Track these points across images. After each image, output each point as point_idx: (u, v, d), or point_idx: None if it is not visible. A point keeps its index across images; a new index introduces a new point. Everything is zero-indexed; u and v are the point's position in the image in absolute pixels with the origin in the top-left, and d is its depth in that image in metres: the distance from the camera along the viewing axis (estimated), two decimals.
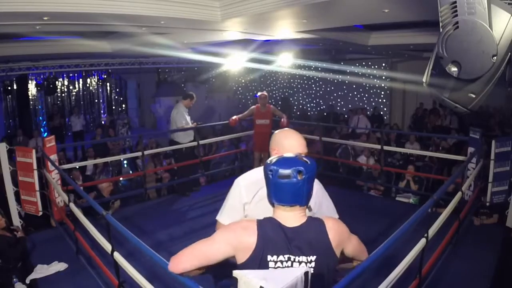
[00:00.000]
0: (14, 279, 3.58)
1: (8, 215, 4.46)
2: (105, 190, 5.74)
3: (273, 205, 1.54)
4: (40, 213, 4.75)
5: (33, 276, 3.68)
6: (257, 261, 1.46)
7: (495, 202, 4.77)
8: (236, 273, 1.46)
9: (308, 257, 1.48)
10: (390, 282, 2.40)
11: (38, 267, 3.76)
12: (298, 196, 1.49)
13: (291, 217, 1.51)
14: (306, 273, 1.49)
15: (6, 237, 3.92)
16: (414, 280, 2.88)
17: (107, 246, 2.88)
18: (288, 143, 1.86)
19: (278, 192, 1.49)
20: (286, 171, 1.46)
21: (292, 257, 1.47)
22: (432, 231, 2.98)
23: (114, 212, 5.34)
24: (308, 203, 1.56)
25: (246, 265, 1.47)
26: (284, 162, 1.50)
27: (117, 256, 2.75)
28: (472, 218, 4.65)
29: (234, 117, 6.43)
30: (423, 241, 2.84)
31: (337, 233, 1.55)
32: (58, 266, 3.80)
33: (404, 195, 6.32)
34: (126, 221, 4.98)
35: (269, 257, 1.46)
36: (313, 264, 1.49)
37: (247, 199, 1.89)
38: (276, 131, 1.98)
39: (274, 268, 1.47)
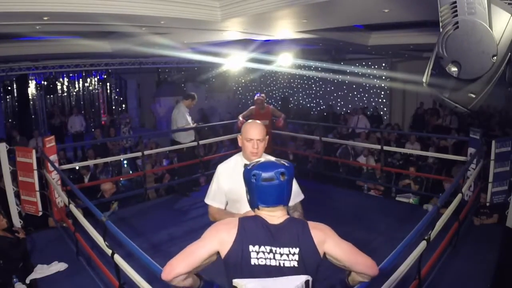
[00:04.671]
0: (14, 279, 3.58)
1: (8, 215, 4.46)
2: (108, 193, 5.75)
3: (256, 208, 1.60)
4: (40, 213, 4.75)
5: (33, 276, 3.68)
6: (239, 252, 1.51)
7: (495, 202, 4.77)
8: (236, 282, 1.45)
9: (291, 248, 1.52)
10: (391, 286, 2.40)
11: (38, 267, 3.76)
12: (281, 196, 1.58)
13: (274, 217, 1.58)
14: (307, 282, 1.47)
15: (7, 238, 3.92)
16: (414, 281, 2.88)
17: (107, 249, 2.88)
18: (251, 132, 2.19)
19: (262, 195, 1.57)
20: (269, 174, 1.55)
21: (274, 249, 1.51)
22: (433, 233, 2.97)
23: (113, 213, 5.33)
24: (289, 203, 1.64)
25: (228, 258, 1.52)
26: (265, 166, 1.59)
27: (117, 258, 2.75)
28: (472, 218, 4.65)
29: (241, 119, 6.39)
30: (423, 243, 2.83)
31: (319, 230, 1.58)
32: (58, 266, 3.80)
33: (404, 195, 6.31)
34: (126, 221, 4.99)
35: (250, 247, 1.51)
36: (296, 256, 1.51)
37: (225, 186, 2.28)
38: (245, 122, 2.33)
39: (257, 258, 1.51)
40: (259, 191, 1.57)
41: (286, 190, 1.59)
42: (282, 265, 1.50)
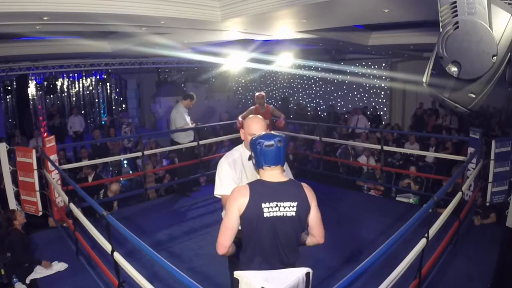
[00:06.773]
0: (14, 279, 3.59)
1: None
2: (113, 193, 5.74)
3: (261, 168, 2.05)
4: (40, 213, 4.75)
5: (33, 276, 3.69)
6: (255, 210, 1.95)
7: (495, 202, 4.77)
8: (237, 274, 1.49)
9: (291, 202, 1.98)
10: (391, 282, 2.40)
11: (38, 267, 3.76)
12: (279, 158, 2.04)
13: (275, 175, 2.04)
14: (307, 274, 1.51)
15: (22, 236, 3.92)
16: (414, 280, 2.88)
17: (107, 246, 2.88)
18: (253, 126, 2.38)
19: (265, 157, 2.02)
20: (270, 142, 2.02)
21: (279, 203, 1.97)
22: (432, 231, 2.98)
23: (113, 213, 5.34)
24: (284, 164, 2.10)
25: (246, 214, 1.95)
26: (266, 136, 2.05)
27: (117, 256, 2.75)
28: (472, 218, 4.65)
29: (240, 119, 6.36)
30: (423, 241, 2.84)
31: (310, 191, 2.08)
32: (58, 266, 3.81)
33: (404, 195, 6.32)
34: (126, 221, 4.98)
35: (262, 205, 1.95)
36: (295, 208, 1.98)
37: (235, 174, 2.43)
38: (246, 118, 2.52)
39: (268, 212, 1.94)
40: (263, 154, 2.02)
41: (282, 153, 2.05)
42: (284, 215, 1.96)
